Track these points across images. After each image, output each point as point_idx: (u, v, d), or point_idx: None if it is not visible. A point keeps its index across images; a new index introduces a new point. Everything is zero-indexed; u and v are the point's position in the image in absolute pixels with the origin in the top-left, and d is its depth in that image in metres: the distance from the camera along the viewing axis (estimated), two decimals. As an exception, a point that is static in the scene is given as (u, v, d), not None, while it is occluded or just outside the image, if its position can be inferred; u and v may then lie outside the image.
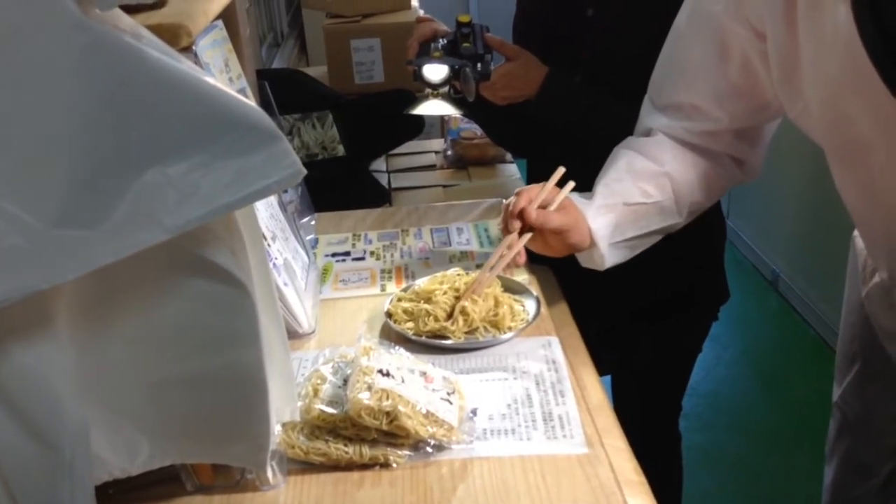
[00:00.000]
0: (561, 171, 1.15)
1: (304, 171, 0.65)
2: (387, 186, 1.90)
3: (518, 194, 1.11)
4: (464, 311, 1.09)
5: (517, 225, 1.09)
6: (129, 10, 0.68)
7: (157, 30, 0.67)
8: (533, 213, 1.08)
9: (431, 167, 2.04)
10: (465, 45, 1.33)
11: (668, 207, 1.13)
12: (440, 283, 1.16)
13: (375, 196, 1.79)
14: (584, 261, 1.15)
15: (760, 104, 1.05)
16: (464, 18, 1.36)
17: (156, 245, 0.61)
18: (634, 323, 1.50)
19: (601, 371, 1.07)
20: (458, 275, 1.17)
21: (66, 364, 0.65)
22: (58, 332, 0.64)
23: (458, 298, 1.11)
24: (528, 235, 1.10)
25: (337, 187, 1.72)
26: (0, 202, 0.56)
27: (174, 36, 0.74)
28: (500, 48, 1.37)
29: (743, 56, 1.01)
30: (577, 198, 1.13)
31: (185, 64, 0.63)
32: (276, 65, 2.81)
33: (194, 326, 0.69)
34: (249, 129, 0.63)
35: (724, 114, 1.09)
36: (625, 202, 1.11)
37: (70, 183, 0.58)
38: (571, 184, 1.14)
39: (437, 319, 1.09)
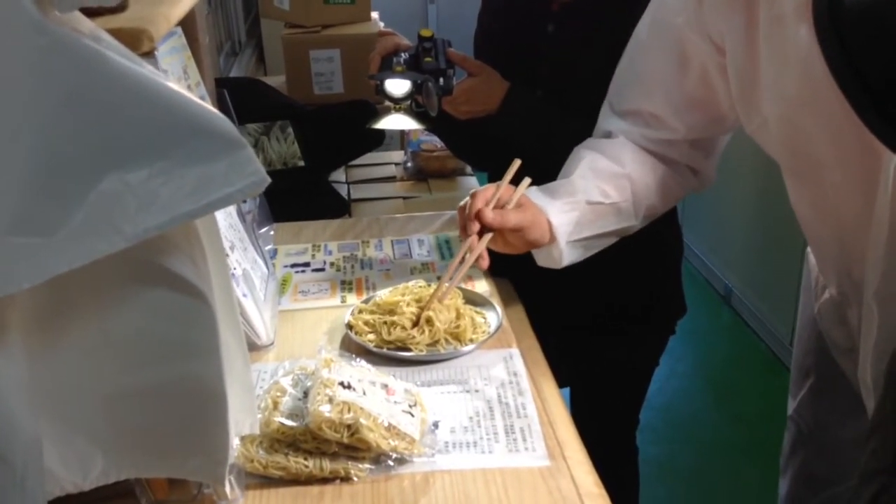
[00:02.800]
0: (517, 164, 1.13)
1: (268, 180, 0.64)
2: (346, 197, 1.89)
3: (473, 196, 1.10)
4: (429, 321, 1.08)
5: (475, 227, 1.08)
6: (90, 13, 0.67)
7: (118, 34, 0.65)
8: (489, 214, 1.07)
9: (391, 179, 2.04)
10: (428, 59, 1.33)
11: (625, 209, 1.14)
12: (402, 294, 1.15)
13: (335, 207, 1.78)
14: (541, 259, 1.14)
15: (716, 116, 1.07)
16: (426, 33, 1.36)
17: (113, 253, 0.59)
18: (593, 336, 1.51)
19: (559, 383, 1.07)
20: (421, 287, 1.17)
21: (19, 375, 0.63)
22: (10, 342, 0.62)
23: (421, 310, 1.10)
24: (487, 237, 1.09)
25: (296, 197, 1.70)
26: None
27: (135, 40, 0.72)
28: (462, 63, 1.37)
29: (702, 68, 1.02)
30: (535, 193, 1.12)
31: (146, 68, 0.61)
32: (233, 73, 2.79)
33: (152, 337, 0.68)
34: (212, 136, 0.61)
35: (681, 124, 1.10)
36: (587, 200, 1.11)
37: (25, 188, 0.56)
38: (527, 180, 1.13)
39: (404, 328, 1.08)
